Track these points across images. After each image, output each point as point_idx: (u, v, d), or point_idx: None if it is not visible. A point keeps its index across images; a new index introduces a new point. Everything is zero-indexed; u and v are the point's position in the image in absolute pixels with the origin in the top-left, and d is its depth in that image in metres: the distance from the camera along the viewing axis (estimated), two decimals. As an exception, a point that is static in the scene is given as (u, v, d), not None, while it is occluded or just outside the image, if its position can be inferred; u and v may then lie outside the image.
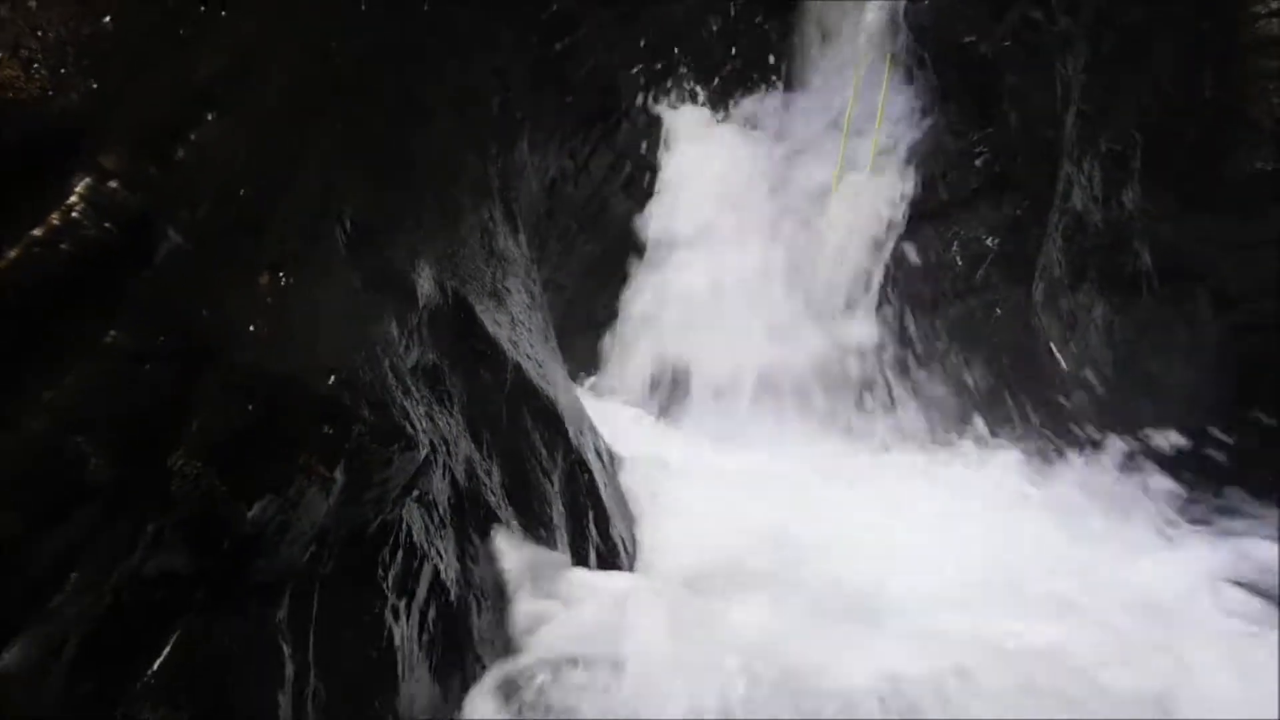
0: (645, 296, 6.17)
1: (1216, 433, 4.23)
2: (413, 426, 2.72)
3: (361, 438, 2.45)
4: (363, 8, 4.02)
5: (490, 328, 3.81)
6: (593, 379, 6.15)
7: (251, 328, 2.47)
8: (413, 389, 2.96)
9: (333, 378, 2.55)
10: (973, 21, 6.00)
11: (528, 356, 3.97)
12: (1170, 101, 3.94)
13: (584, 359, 5.97)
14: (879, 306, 6.16)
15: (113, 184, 2.29)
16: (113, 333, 2.17)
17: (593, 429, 4.35)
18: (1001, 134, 5.80)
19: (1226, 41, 3.67)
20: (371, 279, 3.18)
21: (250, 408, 2.23)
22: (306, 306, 2.71)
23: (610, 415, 5.62)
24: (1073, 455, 4.66)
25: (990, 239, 5.83)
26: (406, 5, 4.46)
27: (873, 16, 6.70)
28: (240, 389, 2.25)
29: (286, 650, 2.13)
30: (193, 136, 2.63)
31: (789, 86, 7.12)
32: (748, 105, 6.97)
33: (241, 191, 2.72)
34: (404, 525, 2.60)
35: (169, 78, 2.67)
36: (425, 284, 3.48)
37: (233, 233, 2.60)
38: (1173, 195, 3.98)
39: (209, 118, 2.71)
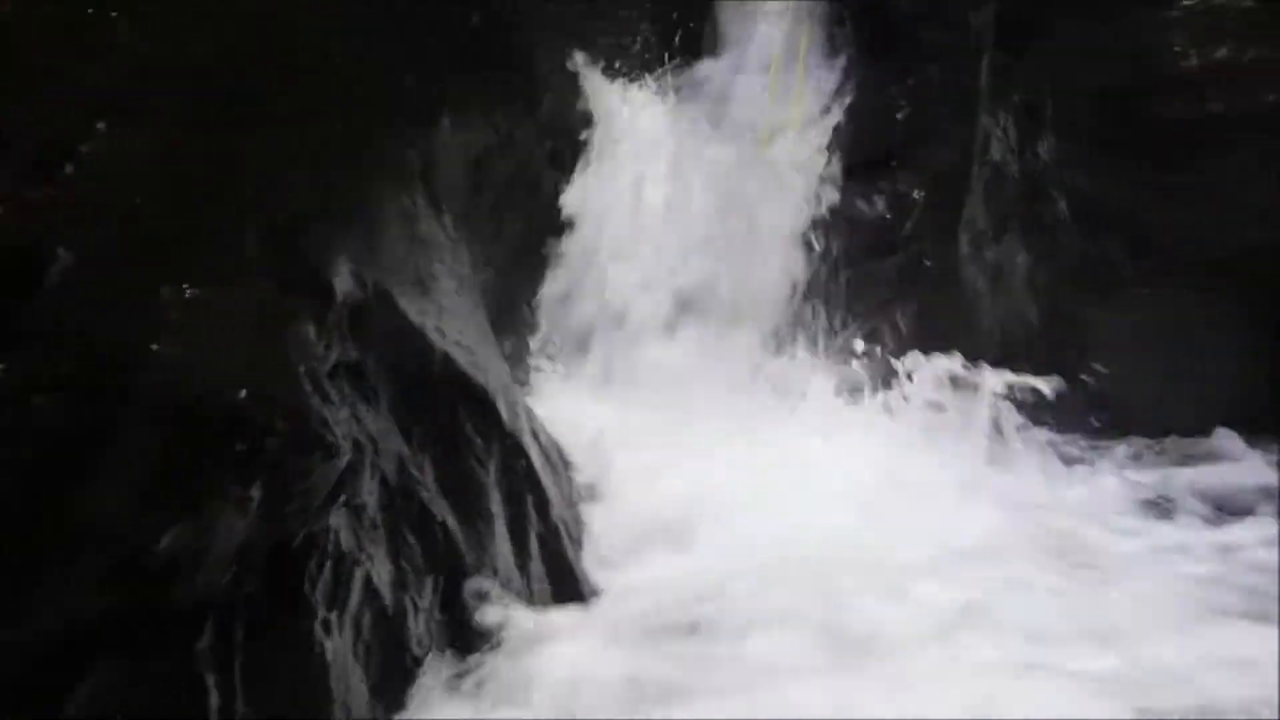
0: (574, 265, 6.15)
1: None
2: (332, 433, 2.69)
3: (277, 451, 2.43)
4: (265, -3, 3.95)
5: (415, 318, 3.77)
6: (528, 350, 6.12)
7: (155, 346, 2.43)
8: (332, 392, 2.92)
9: (244, 391, 2.51)
10: (888, -22, 6.01)
11: (456, 344, 3.94)
12: (1075, 50, 3.97)
13: (517, 334, 5.94)
14: (810, 263, 6.19)
15: (-2, 209, 2.23)
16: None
17: (528, 410, 4.34)
18: (922, 88, 5.82)
19: (1128, -7, 3.70)
20: (285, 281, 3.13)
21: (157, 432, 2.20)
22: (215, 319, 2.67)
23: (543, 385, 5.68)
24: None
25: (916, 192, 5.86)
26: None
27: (791, -26, 6.66)
28: (145, 413, 2.22)
29: (210, 679, 2.11)
30: (86, 150, 2.58)
31: (711, 51, 7.06)
32: (671, 71, 6.92)
33: (140, 203, 2.67)
34: (331, 534, 2.58)
35: (64, 90, 2.60)
36: (343, 280, 3.43)
37: (133, 249, 2.56)
38: (1085, 145, 4.02)
39: (105, 130, 2.65)
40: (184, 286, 2.58)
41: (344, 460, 2.68)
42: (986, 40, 4.61)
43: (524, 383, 5.86)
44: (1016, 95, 4.34)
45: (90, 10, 2.80)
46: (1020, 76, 4.32)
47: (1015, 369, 4.87)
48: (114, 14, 2.92)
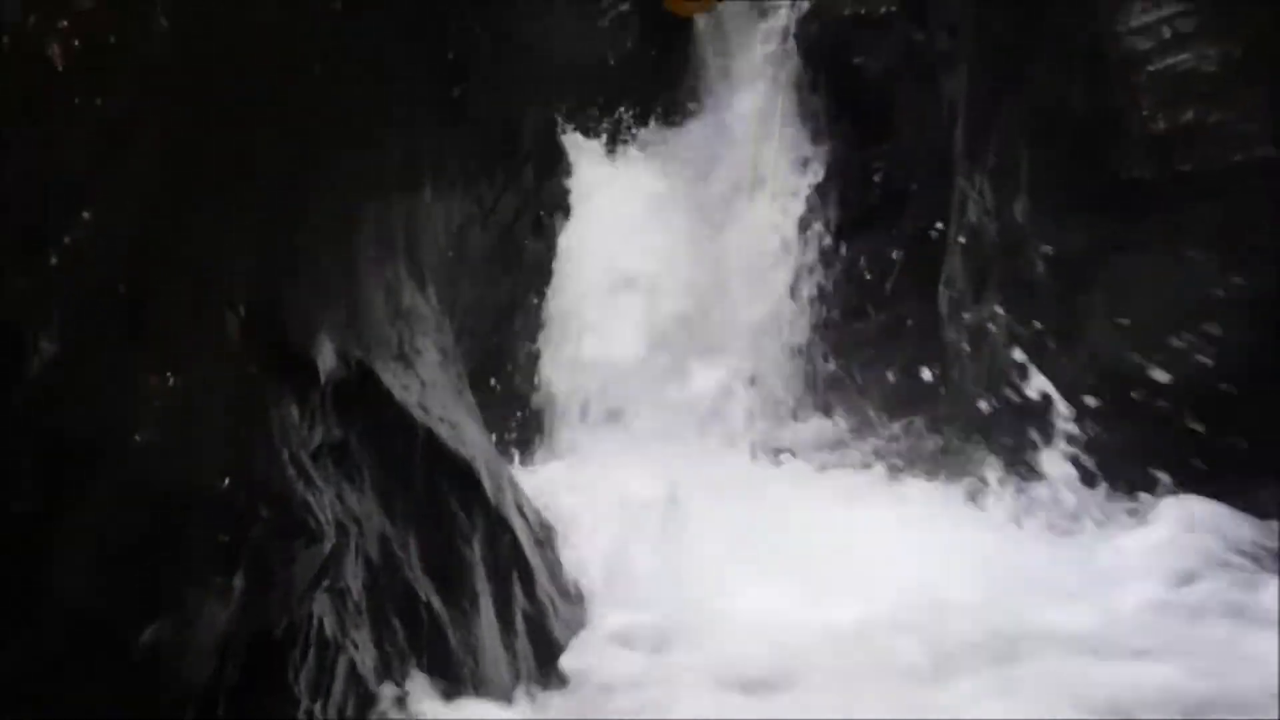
0: (559, 332, 6.19)
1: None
2: (315, 519, 2.68)
3: (261, 539, 2.42)
4: (252, 58, 3.97)
5: (399, 394, 3.77)
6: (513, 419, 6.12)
7: (137, 437, 2.43)
8: (315, 475, 2.91)
9: (227, 479, 2.51)
10: (859, 43, 6.12)
11: (440, 420, 3.94)
12: (1048, 115, 4.05)
13: (501, 405, 5.94)
14: (791, 323, 6.24)
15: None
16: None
17: (513, 483, 4.32)
18: (897, 149, 5.92)
19: (1094, 58, 3.78)
20: (268, 361, 3.13)
21: (137, 524, 2.19)
22: (197, 403, 2.66)
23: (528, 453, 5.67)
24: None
25: (895, 252, 5.93)
26: (300, 54, 4.40)
27: (765, 41, 6.79)
28: (125, 505, 2.21)
29: (193, 775, 2.09)
30: (66, 240, 2.57)
31: (689, 114, 7.18)
32: (650, 134, 7.02)
33: (120, 288, 2.66)
34: (314, 620, 2.57)
35: (35, 171, 2.60)
36: (327, 357, 3.43)
37: (114, 336, 2.55)
38: (1057, 204, 4.08)
39: (82, 213, 2.64)
40: (166, 373, 2.57)
41: (328, 545, 2.67)
42: (959, 103, 4.69)
43: (507, 453, 5.87)
44: (991, 157, 4.41)
45: (62, 79, 2.78)
46: (994, 139, 4.39)
47: (998, 428, 4.91)
48: (93, 82, 2.89)
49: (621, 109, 6.98)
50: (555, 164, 6.55)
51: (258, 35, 3.78)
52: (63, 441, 2.22)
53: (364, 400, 3.57)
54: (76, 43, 2.69)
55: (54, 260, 2.44)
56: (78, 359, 2.33)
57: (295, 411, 3.13)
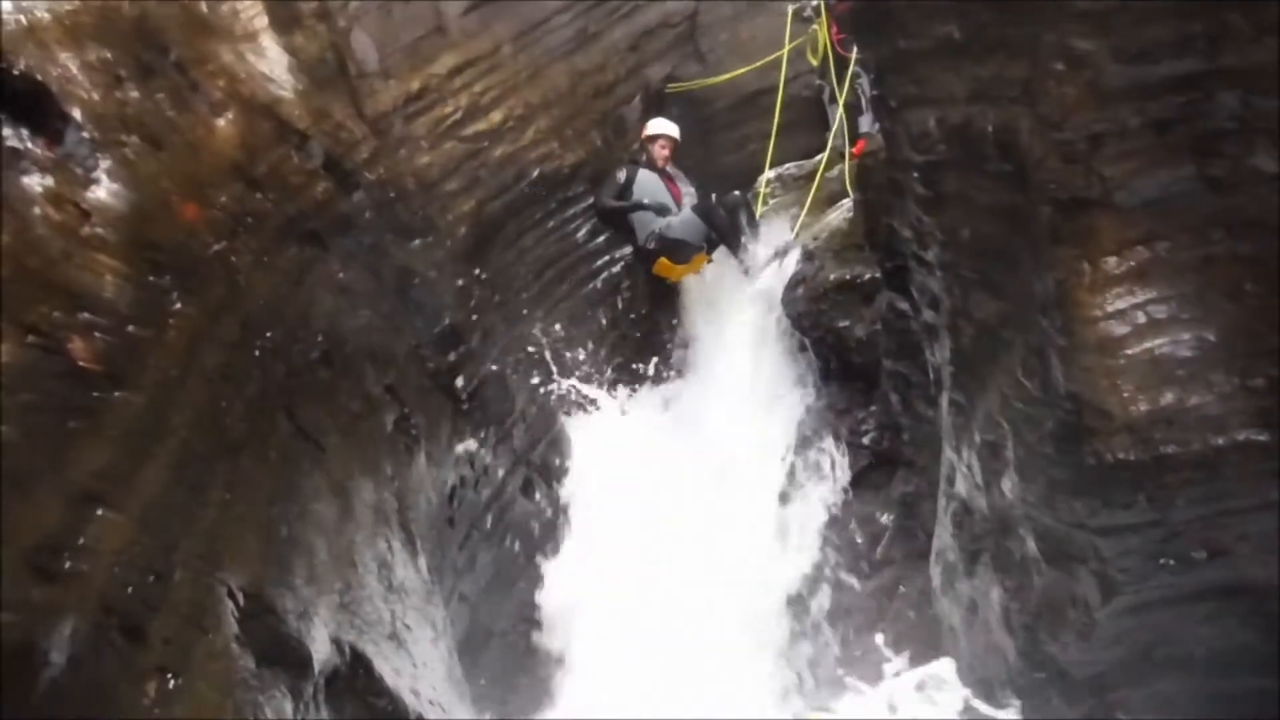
0: (556, 599, 6.14)
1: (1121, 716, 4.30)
2: (307, 822, 2.60)
3: None
4: (256, 354, 4.11)
5: (390, 680, 3.73)
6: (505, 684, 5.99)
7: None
8: (308, 774, 2.86)
9: (221, 787, 2.46)
10: (844, 309, 6.35)
11: (430, 703, 3.88)
12: (1027, 394, 4.16)
13: (494, 671, 5.82)
14: (788, 585, 6.20)
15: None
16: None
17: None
18: (885, 413, 6.05)
19: (1071, 340, 3.92)
20: (264, 654, 3.12)
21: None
22: (196, 706, 2.64)
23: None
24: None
25: (885, 515, 5.97)
26: (300, 338, 4.56)
27: (752, 305, 7.05)
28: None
29: None
30: (81, 541, 2.60)
31: (679, 373, 7.39)
32: (639, 394, 7.20)
33: (128, 590, 2.68)
34: None
35: (57, 483, 2.64)
36: (320, 646, 3.41)
37: (117, 639, 2.55)
38: (1042, 482, 4.14)
39: (96, 517, 2.68)
40: (166, 676, 2.56)
41: None
42: (945, 376, 4.83)
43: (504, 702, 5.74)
44: (977, 433, 4.51)
45: (93, 394, 2.88)
46: (979, 415, 4.50)
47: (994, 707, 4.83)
48: (115, 393, 2.99)
49: (612, 367, 7.18)
50: (547, 423, 6.67)
51: (264, 327, 3.95)
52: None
53: (356, 689, 3.53)
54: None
55: (68, 565, 2.46)
56: (83, 668, 2.32)
57: (289, 707, 3.10)
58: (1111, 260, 3.82)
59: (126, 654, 2.49)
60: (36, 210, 3.05)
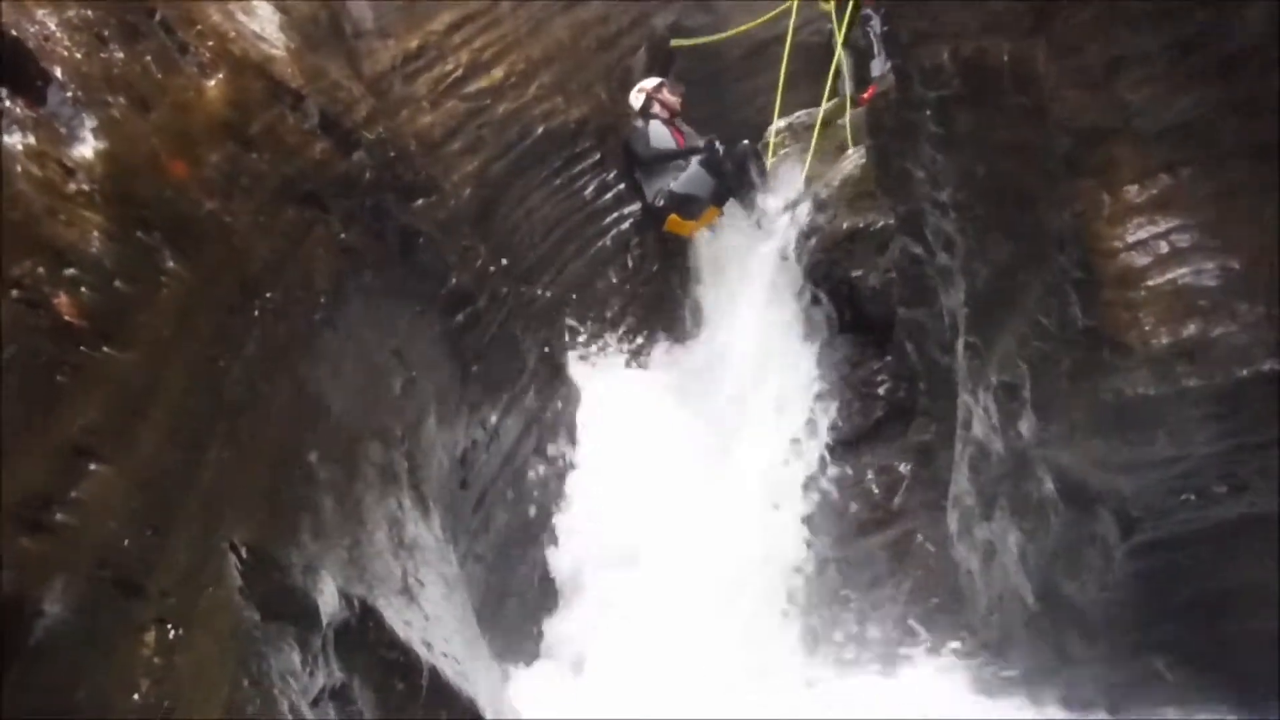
0: (571, 558, 6.08)
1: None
2: (315, 775, 2.56)
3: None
4: (255, 314, 4.04)
5: (402, 632, 3.68)
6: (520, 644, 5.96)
7: (136, 696, 2.35)
8: (314, 727, 2.81)
9: (224, 739, 2.41)
10: (858, 258, 6.24)
11: (444, 655, 3.84)
12: (1045, 331, 4.06)
13: (509, 630, 5.78)
14: (804, 538, 6.12)
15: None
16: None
17: (518, 717, 4.18)
18: (900, 362, 5.95)
19: (1089, 274, 3.81)
20: (270, 607, 3.07)
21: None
22: (197, 657, 2.60)
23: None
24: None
25: (902, 465, 5.89)
26: (302, 301, 4.49)
27: (764, 257, 6.94)
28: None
29: None
30: (73, 495, 2.55)
31: (690, 331, 7.29)
32: (652, 351, 7.11)
33: (124, 544, 2.63)
34: None
35: (44, 436, 2.59)
36: (328, 599, 3.36)
37: (113, 593, 2.50)
38: (1061, 421, 4.05)
39: (88, 471, 2.63)
40: (166, 627, 2.51)
41: (326, 804, 2.53)
42: (960, 320, 4.73)
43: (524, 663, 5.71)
44: (994, 375, 4.41)
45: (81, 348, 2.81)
46: (996, 356, 4.40)
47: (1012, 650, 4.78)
48: (104, 348, 2.92)
49: (624, 328, 7.09)
50: (559, 385, 6.60)
51: (263, 288, 3.88)
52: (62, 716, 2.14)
53: (366, 641, 3.49)
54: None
55: (59, 518, 2.41)
56: (79, 620, 2.27)
57: (296, 658, 3.05)
58: (1132, 189, 3.72)
59: (123, 607, 2.45)
60: (18, 168, 2.97)
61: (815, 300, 6.62)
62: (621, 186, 7.26)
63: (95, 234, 3.03)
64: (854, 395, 6.20)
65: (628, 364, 6.98)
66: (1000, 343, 4.41)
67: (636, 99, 7.52)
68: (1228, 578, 4.12)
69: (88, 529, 2.44)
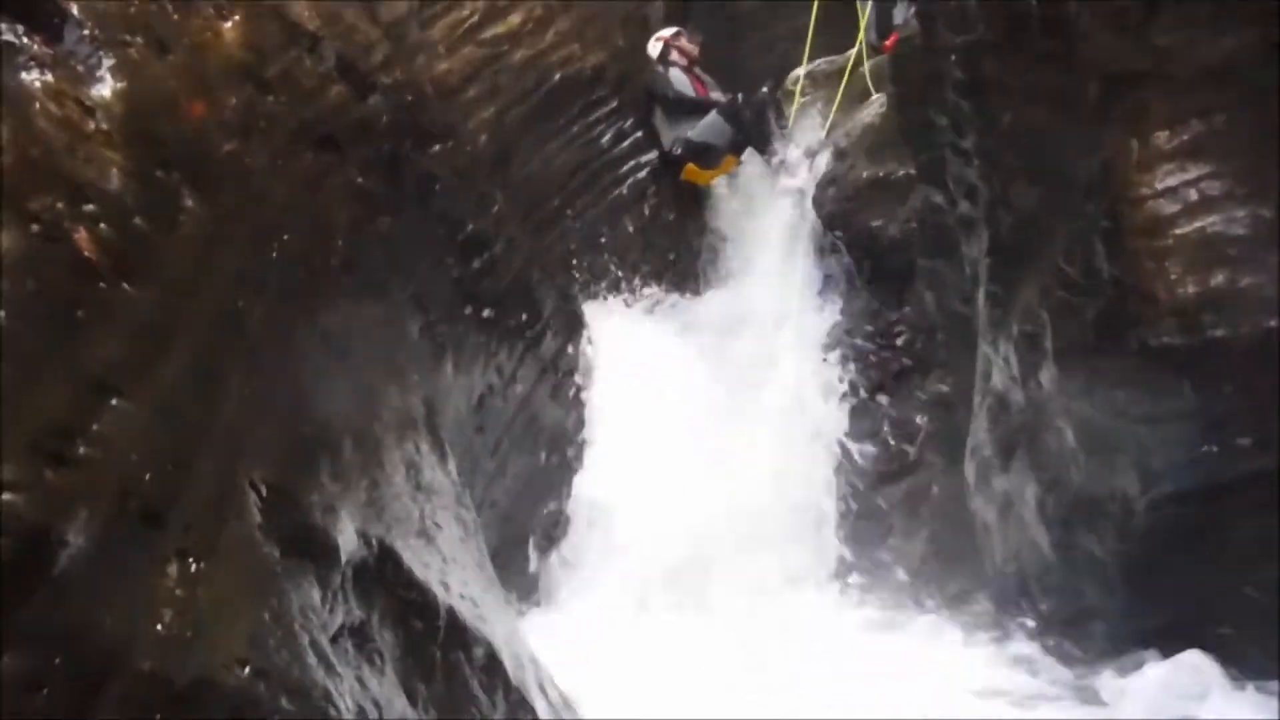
0: (585, 505, 6.09)
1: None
2: (336, 706, 2.59)
3: (280, 730, 2.31)
4: (274, 255, 4.03)
5: (420, 573, 3.69)
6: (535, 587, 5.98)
7: (159, 626, 2.37)
8: (335, 661, 2.84)
9: (246, 668, 2.44)
10: (878, 207, 6.19)
11: (461, 596, 3.85)
12: (1069, 281, 4.02)
13: (523, 575, 5.81)
14: (821, 489, 6.13)
15: (7, 496, 2.18)
16: (5, 659, 2.04)
17: (534, 661, 4.20)
18: (919, 314, 5.91)
19: (1116, 222, 3.77)
20: (289, 544, 3.07)
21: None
22: (218, 590, 2.60)
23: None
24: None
25: (919, 417, 5.87)
26: (320, 245, 4.48)
27: (783, 207, 6.89)
28: (144, 700, 2.13)
29: None
30: (95, 428, 2.54)
31: (707, 281, 7.25)
32: (668, 301, 7.08)
33: (146, 477, 2.63)
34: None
35: (65, 370, 2.58)
36: (348, 538, 3.37)
37: (136, 525, 2.50)
38: (1084, 372, 4.02)
39: (109, 406, 2.62)
40: (188, 560, 2.52)
41: (348, 736, 2.55)
42: (981, 270, 4.69)
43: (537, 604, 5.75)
44: (1015, 325, 4.37)
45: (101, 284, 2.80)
46: (1018, 306, 4.36)
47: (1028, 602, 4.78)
48: (124, 285, 2.91)
49: (642, 276, 7.06)
50: (575, 332, 6.58)
51: (281, 231, 3.87)
52: (86, 640, 2.15)
53: (385, 581, 3.50)
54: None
55: (81, 451, 2.40)
56: (102, 552, 2.27)
57: (316, 595, 3.06)
58: (1163, 135, 3.66)
59: (146, 538, 2.45)
60: (37, 105, 2.94)
61: (834, 250, 6.58)
62: (639, 135, 7.20)
63: (114, 172, 3.00)
64: (872, 346, 6.18)
65: (644, 312, 6.95)
66: (1022, 292, 4.38)
67: (654, 47, 7.45)
68: (1248, 532, 4.09)
69: (110, 461, 2.44)
